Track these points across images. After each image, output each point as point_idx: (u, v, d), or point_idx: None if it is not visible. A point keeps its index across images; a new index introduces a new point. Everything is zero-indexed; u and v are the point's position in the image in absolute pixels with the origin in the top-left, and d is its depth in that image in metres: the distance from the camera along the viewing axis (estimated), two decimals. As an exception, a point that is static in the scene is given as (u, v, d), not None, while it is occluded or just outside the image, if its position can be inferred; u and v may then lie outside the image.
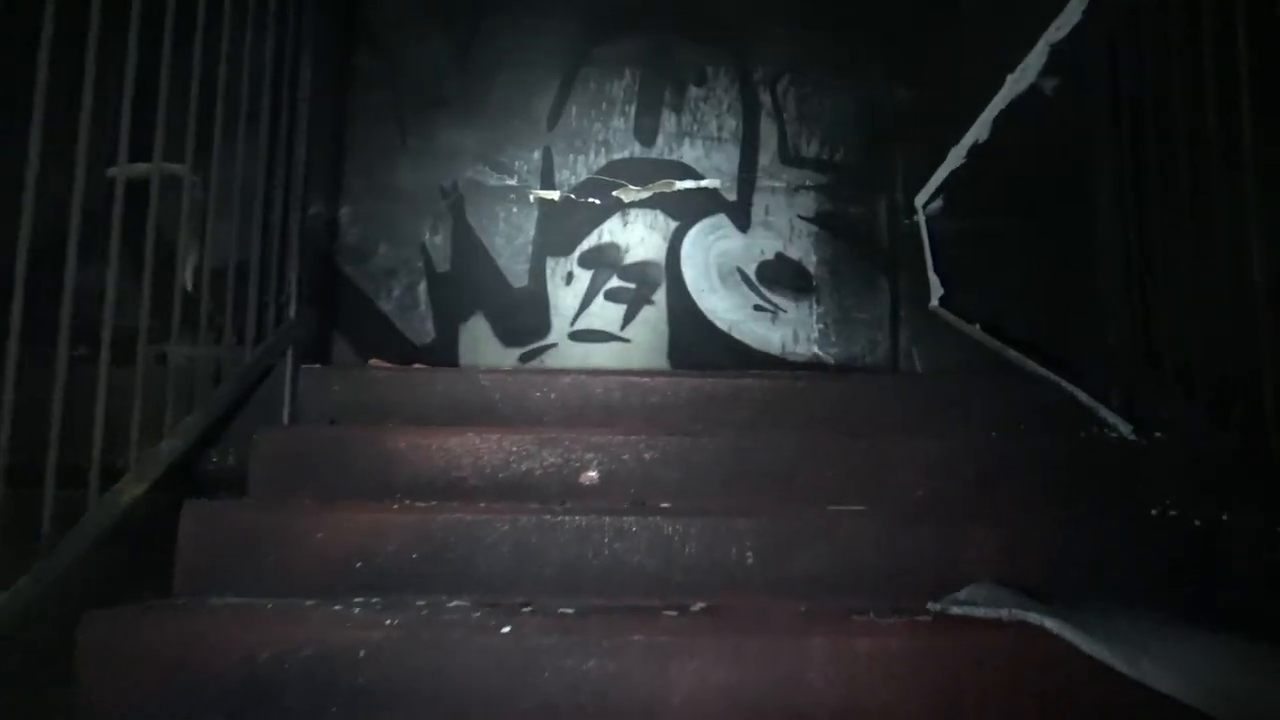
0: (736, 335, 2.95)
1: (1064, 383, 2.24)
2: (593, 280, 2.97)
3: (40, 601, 1.38)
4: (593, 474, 1.92)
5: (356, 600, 1.61)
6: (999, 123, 2.76)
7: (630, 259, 2.98)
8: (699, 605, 1.62)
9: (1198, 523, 1.73)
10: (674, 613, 1.57)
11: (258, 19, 2.12)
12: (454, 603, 1.61)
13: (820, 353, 2.93)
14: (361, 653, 1.40)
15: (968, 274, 2.82)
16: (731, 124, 3.04)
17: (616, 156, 3.02)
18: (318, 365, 2.37)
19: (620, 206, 3.00)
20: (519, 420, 2.19)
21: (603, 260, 2.98)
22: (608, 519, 1.70)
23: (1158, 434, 2.08)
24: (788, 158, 3.02)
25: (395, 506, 1.78)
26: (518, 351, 2.92)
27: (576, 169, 3.01)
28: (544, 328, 2.94)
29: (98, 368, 1.56)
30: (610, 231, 3.00)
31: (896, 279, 2.95)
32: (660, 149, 3.03)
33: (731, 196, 3.01)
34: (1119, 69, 2.38)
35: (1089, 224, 2.49)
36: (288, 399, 2.17)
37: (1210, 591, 1.67)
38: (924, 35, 3.01)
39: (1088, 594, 1.61)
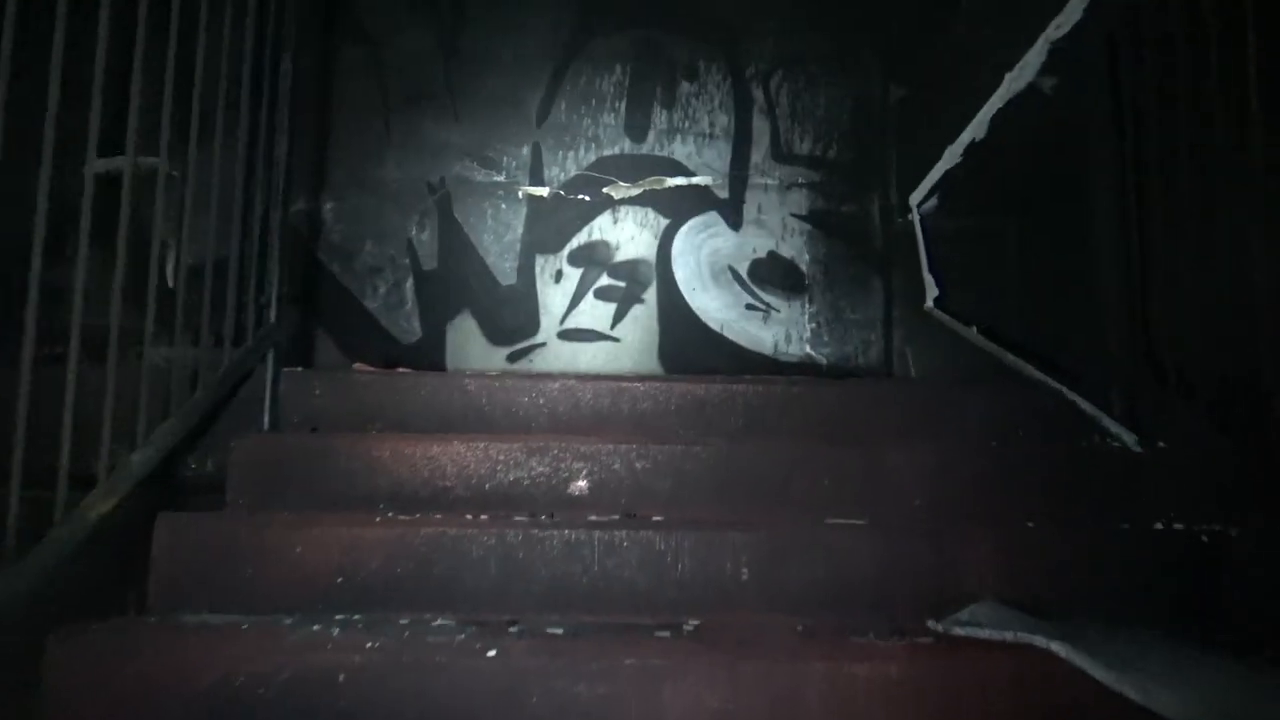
0: (728, 334, 2.90)
1: (1065, 390, 2.20)
2: (582, 278, 2.91)
3: (6, 614, 1.32)
4: (582, 484, 1.87)
5: (337, 618, 1.55)
6: (996, 121, 2.73)
7: (620, 257, 2.93)
8: (692, 623, 1.58)
9: (1205, 538, 1.69)
10: (666, 632, 1.52)
11: (237, 5, 2.04)
12: (438, 621, 1.56)
13: (813, 353, 2.88)
14: (341, 676, 1.36)
15: (963, 274, 2.80)
16: (723, 120, 2.99)
17: (607, 153, 2.97)
18: (300, 369, 2.31)
19: (610, 204, 2.94)
20: (506, 427, 2.14)
21: (592, 258, 2.92)
22: (598, 533, 1.66)
23: (1160, 443, 2.04)
24: (780, 155, 2.97)
25: (378, 519, 1.72)
26: (506, 350, 2.87)
27: (566, 165, 2.95)
28: (533, 326, 2.89)
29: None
30: (600, 229, 2.94)
31: (890, 279, 2.91)
32: (651, 145, 2.98)
33: (723, 194, 2.96)
34: (1119, 67, 2.35)
35: (1088, 224, 2.45)
36: (268, 404, 2.10)
37: (1217, 608, 1.64)
38: (921, 32, 2.97)
39: (1091, 611, 1.58)
